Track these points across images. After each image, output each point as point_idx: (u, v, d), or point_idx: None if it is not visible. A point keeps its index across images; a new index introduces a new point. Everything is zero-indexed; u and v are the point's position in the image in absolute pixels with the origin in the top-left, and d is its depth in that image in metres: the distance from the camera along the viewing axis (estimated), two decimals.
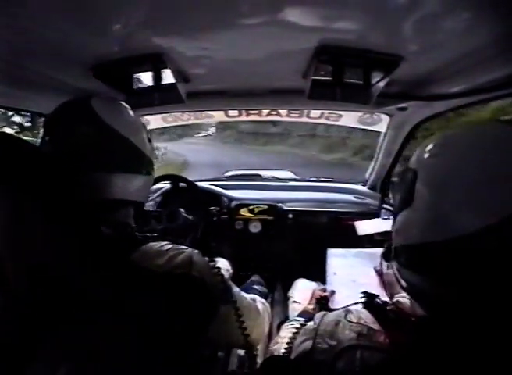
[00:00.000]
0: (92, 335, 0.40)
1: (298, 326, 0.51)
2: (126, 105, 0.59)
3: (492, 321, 0.33)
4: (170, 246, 0.49)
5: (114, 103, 0.58)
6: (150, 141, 0.60)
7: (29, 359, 0.38)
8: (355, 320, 0.44)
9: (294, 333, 0.50)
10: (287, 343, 0.50)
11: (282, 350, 0.50)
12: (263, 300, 0.73)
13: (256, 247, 1.47)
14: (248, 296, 0.64)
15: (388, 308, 0.45)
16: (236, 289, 0.56)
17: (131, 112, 0.58)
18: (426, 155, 0.39)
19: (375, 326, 0.42)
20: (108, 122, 0.50)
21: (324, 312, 0.51)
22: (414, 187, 0.38)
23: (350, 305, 0.50)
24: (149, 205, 1.44)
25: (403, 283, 0.41)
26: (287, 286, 1.14)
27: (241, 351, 0.97)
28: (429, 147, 0.39)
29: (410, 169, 0.40)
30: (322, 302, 0.81)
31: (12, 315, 0.39)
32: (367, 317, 0.44)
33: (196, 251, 0.52)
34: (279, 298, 1.29)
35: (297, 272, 1.18)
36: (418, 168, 0.38)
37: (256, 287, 0.94)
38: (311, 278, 1.10)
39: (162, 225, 1.23)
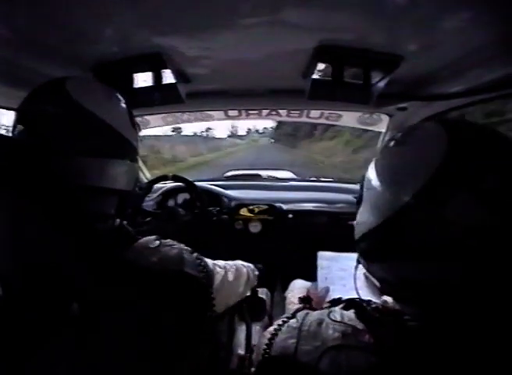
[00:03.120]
0: (91, 335, 0.40)
1: (280, 322, 0.51)
2: (108, 88, 0.55)
3: (462, 301, 0.35)
4: (159, 242, 0.50)
5: (92, 84, 0.54)
6: (135, 126, 0.56)
7: (28, 359, 0.38)
8: (339, 319, 0.43)
9: (276, 330, 0.49)
10: (268, 339, 0.49)
11: (264, 346, 0.49)
12: (241, 267, 0.73)
13: (256, 247, 1.47)
14: (222, 266, 0.62)
15: (370, 307, 0.45)
16: (211, 266, 0.56)
17: (112, 94, 0.54)
18: (376, 157, 0.46)
19: (360, 325, 0.41)
20: (82, 103, 0.46)
21: (306, 311, 0.50)
22: (363, 187, 0.45)
23: (331, 306, 0.50)
24: (148, 205, 1.44)
25: (377, 283, 0.43)
26: (287, 286, 1.14)
27: (241, 351, 0.97)
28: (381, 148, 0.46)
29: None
30: (306, 300, 0.80)
31: (10, 314, 0.39)
32: (351, 316, 0.44)
33: (182, 245, 0.52)
34: (278, 298, 1.29)
35: (297, 272, 1.18)
36: (369, 168, 0.45)
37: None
38: (311, 278, 1.09)
39: (161, 225, 1.24)
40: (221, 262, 0.64)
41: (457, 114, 0.99)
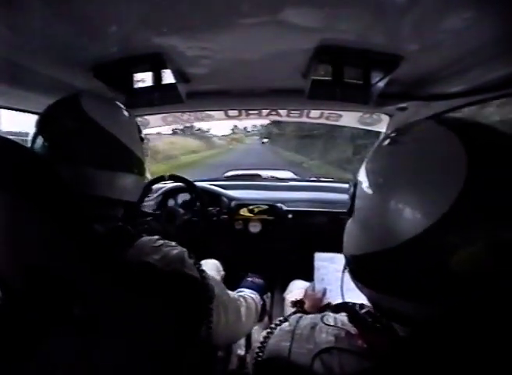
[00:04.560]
0: (91, 335, 0.40)
1: (273, 326, 0.50)
2: (119, 104, 0.59)
3: (457, 324, 0.33)
4: (162, 242, 0.51)
5: (104, 100, 0.57)
6: (142, 140, 0.60)
7: (28, 359, 0.38)
8: (332, 323, 0.43)
9: (268, 333, 0.49)
10: (261, 342, 0.49)
11: (257, 349, 0.49)
12: (251, 302, 0.72)
13: (256, 247, 1.47)
14: (236, 297, 0.66)
15: (363, 311, 0.44)
16: (218, 289, 0.56)
17: (123, 111, 0.58)
18: (368, 163, 0.39)
19: (353, 330, 0.41)
20: (95, 118, 0.50)
21: (300, 315, 0.50)
22: (355, 198, 0.39)
23: (325, 310, 0.49)
24: (149, 205, 1.44)
25: (365, 297, 0.41)
26: (287, 286, 1.14)
27: (241, 351, 0.97)
28: (371, 154, 0.40)
29: (355, 180, 0.41)
30: (298, 304, 0.79)
31: (10, 316, 0.39)
32: (344, 320, 0.43)
33: (184, 249, 0.53)
34: (278, 298, 1.29)
35: (297, 272, 1.18)
36: (361, 176, 0.39)
37: (249, 279, 0.94)
38: (310, 278, 1.09)
39: (161, 225, 1.24)
40: (232, 293, 0.66)
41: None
